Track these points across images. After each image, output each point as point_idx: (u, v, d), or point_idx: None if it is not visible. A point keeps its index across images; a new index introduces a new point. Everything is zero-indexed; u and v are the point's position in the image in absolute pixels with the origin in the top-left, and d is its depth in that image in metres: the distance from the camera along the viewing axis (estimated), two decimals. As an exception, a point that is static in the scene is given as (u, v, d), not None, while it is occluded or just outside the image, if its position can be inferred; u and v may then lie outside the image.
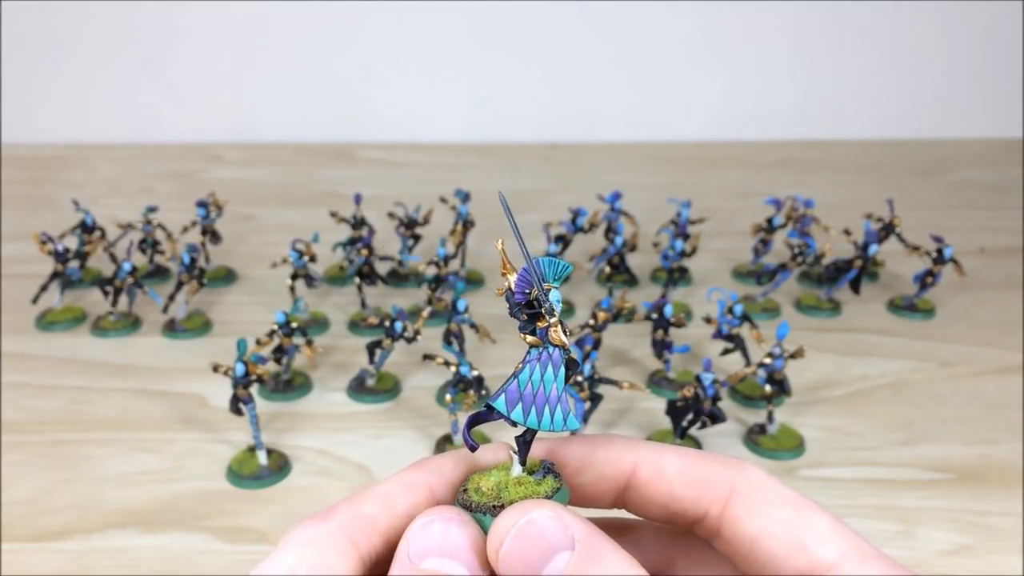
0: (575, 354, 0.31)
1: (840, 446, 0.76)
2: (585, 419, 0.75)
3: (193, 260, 0.90)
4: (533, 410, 0.30)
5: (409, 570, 0.27)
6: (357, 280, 0.93)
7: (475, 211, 1.04)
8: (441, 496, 0.31)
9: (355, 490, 0.32)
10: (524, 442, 0.30)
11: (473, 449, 0.31)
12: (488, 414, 0.30)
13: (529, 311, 0.30)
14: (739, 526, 0.28)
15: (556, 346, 0.30)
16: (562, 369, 0.30)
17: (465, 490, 0.30)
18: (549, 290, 0.29)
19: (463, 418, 0.76)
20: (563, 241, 0.97)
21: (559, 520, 0.27)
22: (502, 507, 0.29)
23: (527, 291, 0.29)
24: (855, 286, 0.96)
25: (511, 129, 1.44)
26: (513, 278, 0.30)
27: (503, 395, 0.30)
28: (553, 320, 0.29)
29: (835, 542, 0.27)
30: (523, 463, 0.30)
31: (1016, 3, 1.38)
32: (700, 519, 0.30)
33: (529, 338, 0.30)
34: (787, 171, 1.35)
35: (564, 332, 0.29)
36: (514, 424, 0.30)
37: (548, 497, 0.29)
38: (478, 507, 0.29)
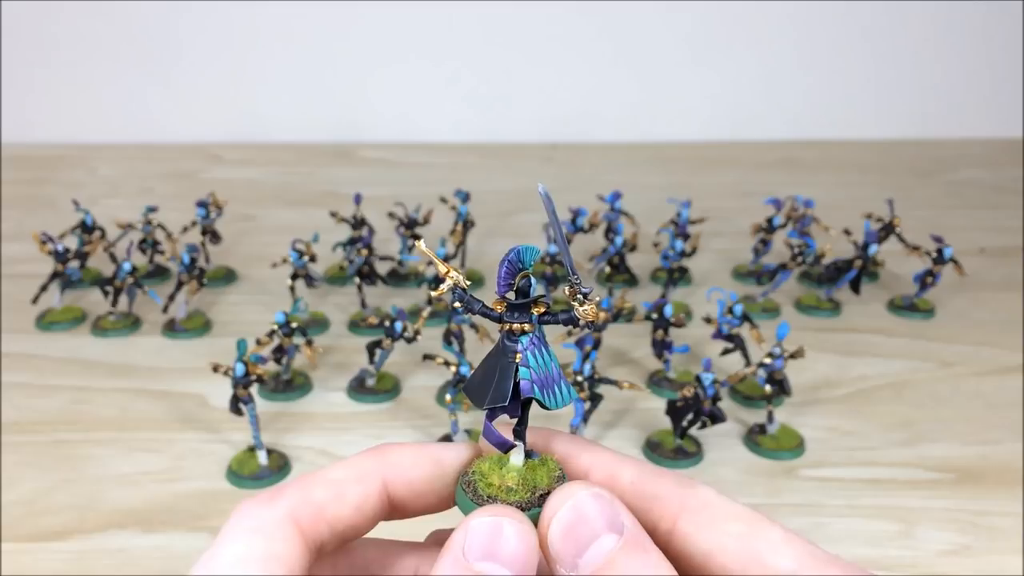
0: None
1: (840, 446, 0.76)
2: (585, 419, 0.75)
3: (193, 260, 0.90)
4: (548, 392, 0.30)
5: (462, 567, 0.27)
6: (357, 280, 0.93)
7: (475, 211, 1.04)
8: (394, 489, 0.31)
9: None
10: (524, 429, 0.31)
11: (507, 448, 0.31)
12: (501, 409, 0.30)
13: (516, 300, 0.30)
14: (690, 542, 0.28)
15: (589, 323, 0.30)
16: (551, 346, 0.31)
17: (476, 489, 0.30)
18: (527, 276, 0.30)
19: (463, 418, 0.76)
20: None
21: (612, 505, 0.28)
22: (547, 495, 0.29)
23: (511, 282, 0.30)
24: (855, 286, 0.96)
25: (511, 129, 1.44)
26: (458, 276, 0.30)
27: (533, 385, 0.30)
28: (598, 298, 0.30)
29: (789, 551, 0.27)
30: (526, 450, 0.31)
31: (1016, 3, 1.38)
32: (648, 533, 0.30)
33: (527, 326, 0.30)
34: (787, 171, 1.34)
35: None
36: (545, 409, 0.31)
37: (560, 477, 0.30)
38: (528, 504, 0.29)
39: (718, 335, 0.81)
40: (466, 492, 0.30)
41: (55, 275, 0.92)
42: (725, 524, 0.28)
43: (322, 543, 0.29)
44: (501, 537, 0.27)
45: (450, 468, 0.31)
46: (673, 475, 0.30)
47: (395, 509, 0.31)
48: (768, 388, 0.75)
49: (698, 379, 0.72)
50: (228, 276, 1.02)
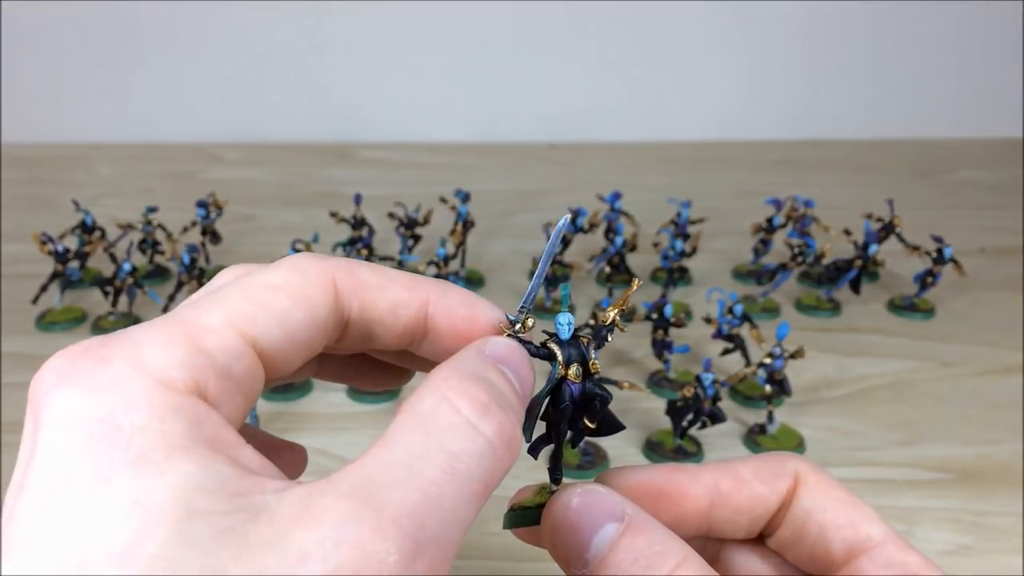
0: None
1: (840, 446, 0.76)
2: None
3: (193, 260, 0.90)
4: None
5: (484, 359, 0.28)
6: (357, 280, 0.93)
7: (475, 211, 1.04)
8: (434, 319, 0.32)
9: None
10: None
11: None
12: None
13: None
14: (798, 502, 0.31)
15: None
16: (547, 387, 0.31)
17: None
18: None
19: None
20: (563, 241, 0.97)
21: (607, 496, 0.29)
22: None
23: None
24: (855, 286, 0.96)
25: (511, 129, 1.44)
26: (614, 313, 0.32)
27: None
28: (531, 321, 0.31)
29: (881, 525, 0.30)
30: (553, 479, 0.32)
31: (1016, 3, 1.38)
32: (776, 513, 0.31)
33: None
34: (787, 171, 1.34)
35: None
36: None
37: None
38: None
39: (718, 335, 0.81)
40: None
41: (55, 275, 0.92)
42: (832, 490, 0.31)
43: (349, 319, 0.29)
44: (517, 355, 0.28)
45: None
46: (771, 454, 0.32)
47: (429, 336, 0.31)
48: (768, 388, 0.75)
49: (698, 379, 0.72)
50: (228, 276, 1.02)
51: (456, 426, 0.24)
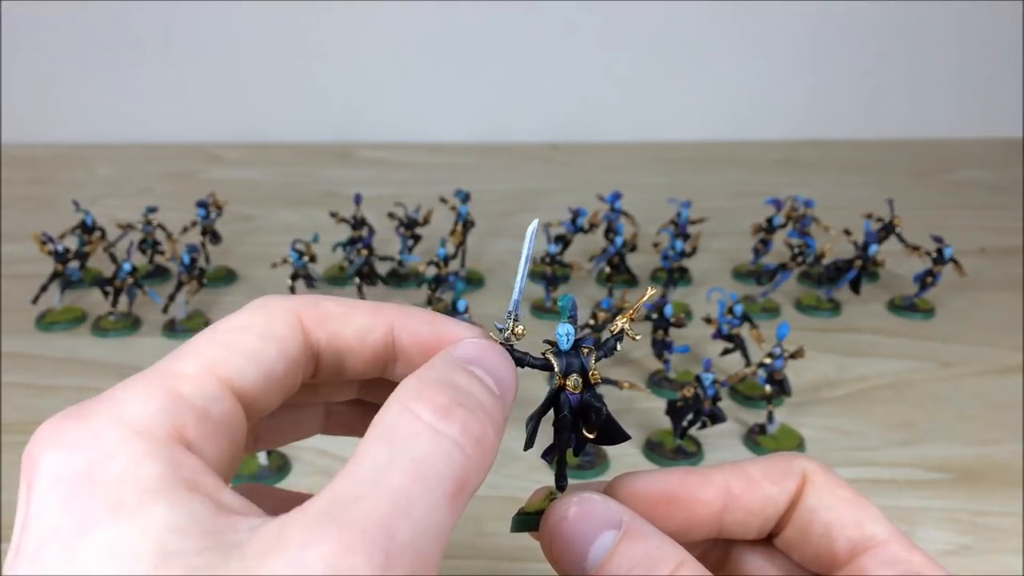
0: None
1: (840, 446, 0.76)
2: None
3: (193, 260, 0.90)
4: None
5: (455, 363, 0.28)
6: (357, 280, 0.93)
7: (475, 211, 1.04)
8: (401, 341, 0.32)
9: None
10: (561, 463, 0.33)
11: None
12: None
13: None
14: (805, 501, 0.31)
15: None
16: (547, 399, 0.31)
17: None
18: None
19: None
20: (563, 241, 0.97)
21: (603, 504, 0.29)
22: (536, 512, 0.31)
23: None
24: (855, 286, 0.96)
25: (511, 129, 1.44)
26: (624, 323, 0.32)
27: None
28: (520, 328, 0.31)
29: (886, 524, 0.29)
30: (557, 484, 0.32)
31: (1016, 3, 1.38)
32: (785, 513, 0.31)
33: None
34: (787, 171, 1.34)
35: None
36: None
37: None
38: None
39: (718, 335, 0.81)
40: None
41: (55, 275, 0.92)
42: (839, 489, 0.31)
43: (319, 351, 0.30)
44: (490, 354, 0.28)
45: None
46: (778, 454, 0.32)
47: (400, 360, 0.31)
48: (768, 388, 0.75)
49: (698, 379, 0.72)
50: (228, 276, 1.02)
51: (418, 432, 0.24)
